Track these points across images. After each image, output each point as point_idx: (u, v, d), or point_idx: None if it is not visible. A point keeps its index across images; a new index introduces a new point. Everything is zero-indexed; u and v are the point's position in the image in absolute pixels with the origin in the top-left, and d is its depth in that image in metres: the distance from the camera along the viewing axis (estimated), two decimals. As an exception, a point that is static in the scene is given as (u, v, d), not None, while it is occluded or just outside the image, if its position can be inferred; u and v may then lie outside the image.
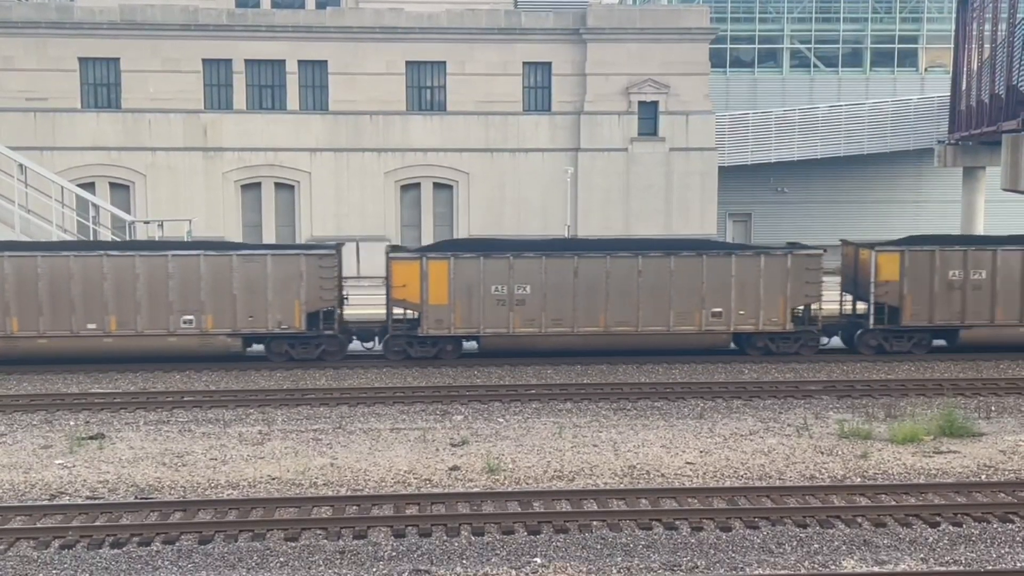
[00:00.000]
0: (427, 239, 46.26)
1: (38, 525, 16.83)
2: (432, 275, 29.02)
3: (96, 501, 18.06)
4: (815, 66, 55.72)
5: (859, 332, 30.67)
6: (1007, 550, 15.95)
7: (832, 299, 31.62)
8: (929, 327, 30.27)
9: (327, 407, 24.93)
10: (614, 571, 15.21)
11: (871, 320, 30.32)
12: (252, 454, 20.95)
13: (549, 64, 47.94)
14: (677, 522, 16.88)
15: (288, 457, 20.71)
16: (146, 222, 41.78)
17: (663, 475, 19.60)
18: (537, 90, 48.30)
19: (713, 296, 29.44)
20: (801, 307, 30.22)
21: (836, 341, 31.73)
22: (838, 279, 32.68)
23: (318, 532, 16.55)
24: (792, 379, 27.90)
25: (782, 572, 15.14)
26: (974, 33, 45.51)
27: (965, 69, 47.02)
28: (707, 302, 29.42)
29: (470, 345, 30.27)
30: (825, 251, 30.91)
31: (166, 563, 15.51)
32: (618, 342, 29.70)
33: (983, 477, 19.51)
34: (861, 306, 31.33)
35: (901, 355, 30.30)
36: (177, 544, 16.14)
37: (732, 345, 30.45)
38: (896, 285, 29.90)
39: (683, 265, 29.45)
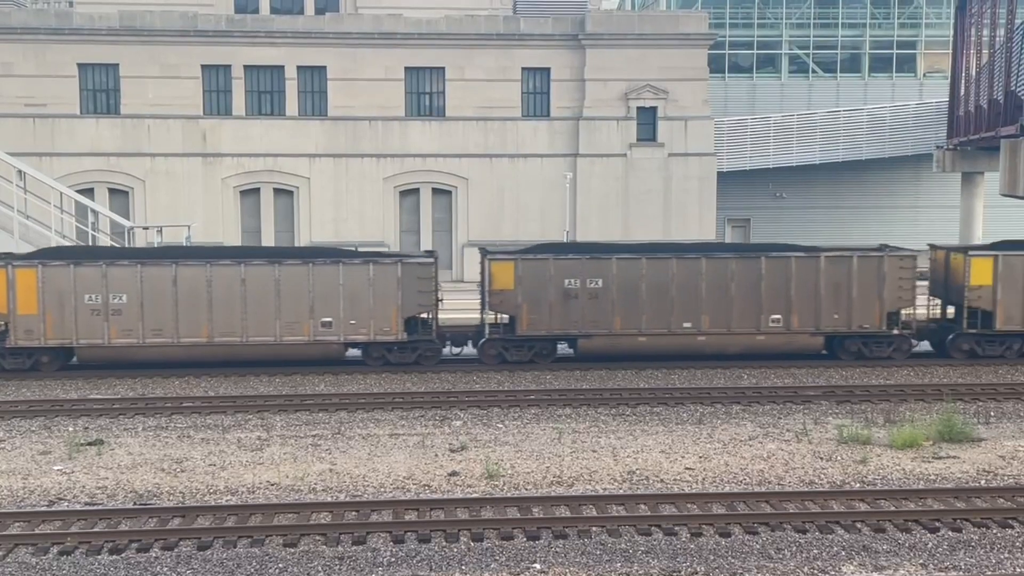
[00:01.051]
0: (426, 244, 46.30)
1: (37, 531, 16.81)
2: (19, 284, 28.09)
3: (95, 507, 18.04)
4: (814, 71, 55.79)
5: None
6: (1006, 555, 15.94)
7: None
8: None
9: (326, 413, 24.91)
10: (613, 577, 15.19)
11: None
12: (251, 460, 20.94)
13: (548, 70, 47.99)
14: (676, 528, 16.86)
15: (287, 463, 20.69)
16: (145, 228, 41.80)
17: (662, 481, 19.58)
18: (536, 96, 48.34)
19: (322, 306, 28.70)
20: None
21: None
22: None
23: (317, 538, 16.53)
24: (791, 384, 27.89)
25: (781, 578, 15.12)
26: (972, 39, 45.58)
27: (963, 74, 47.09)
28: (316, 311, 28.76)
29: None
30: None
31: (165, 569, 15.49)
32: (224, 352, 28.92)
33: (982, 482, 19.49)
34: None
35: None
36: (176, 550, 16.12)
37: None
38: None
39: (290, 274, 28.79)
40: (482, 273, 29.97)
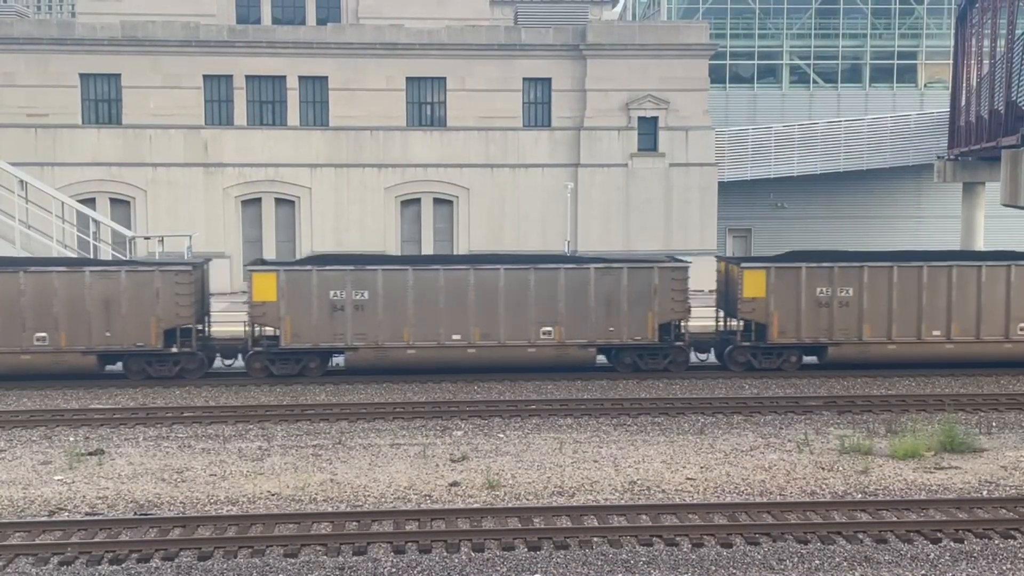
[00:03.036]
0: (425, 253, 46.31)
1: (37, 541, 16.78)
2: None
3: (95, 517, 18.02)
4: (814, 82, 55.85)
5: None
6: (1009, 566, 15.91)
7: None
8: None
9: (327, 423, 24.90)
10: (615, 587, 15.16)
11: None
12: (252, 470, 20.91)
13: (549, 80, 48.06)
14: (678, 538, 16.84)
15: (288, 473, 20.67)
16: (147, 238, 41.84)
17: (664, 491, 19.56)
18: (537, 106, 48.40)
19: None
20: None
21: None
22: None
23: (318, 548, 16.51)
24: (793, 395, 27.87)
25: (783, 588, 15.09)
26: (973, 49, 45.64)
27: (964, 85, 47.15)
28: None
29: None
30: None
31: (165, 579, 15.47)
32: None
33: (984, 493, 19.46)
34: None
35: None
36: (176, 560, 16.10)
37: None
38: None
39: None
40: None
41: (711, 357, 31.50)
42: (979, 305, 29.91)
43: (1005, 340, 29.99)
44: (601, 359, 30.61)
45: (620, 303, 29.59)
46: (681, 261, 30.74)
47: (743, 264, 30.50)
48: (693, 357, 31.07)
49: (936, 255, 31.79)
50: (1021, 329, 29.86)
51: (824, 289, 29.69)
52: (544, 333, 29.53)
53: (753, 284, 29.69)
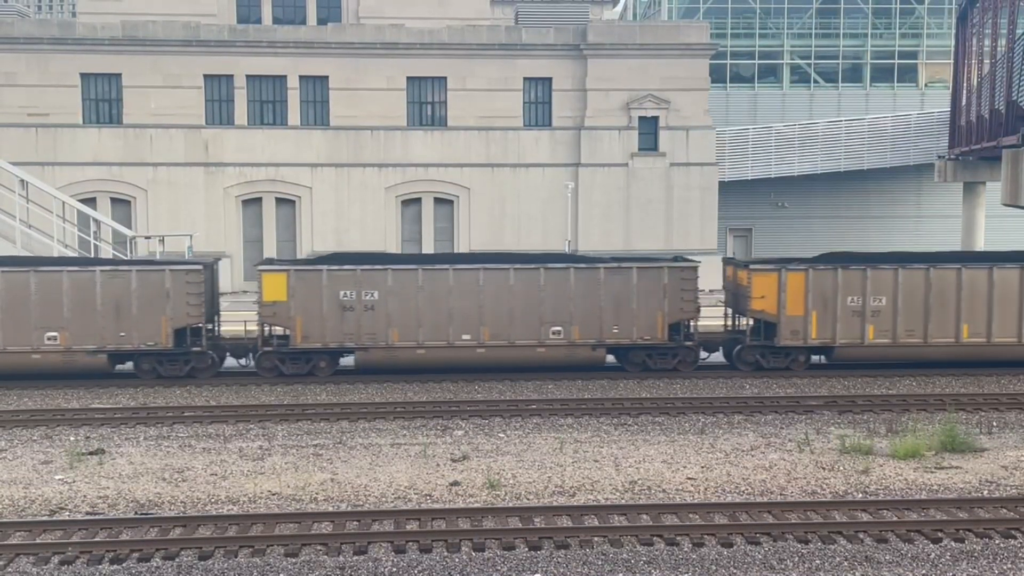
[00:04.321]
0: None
1: (38, 541, 16.78)
2: None
3: (96, 517, 18.02)
4: (815, 81, 55.86)
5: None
6: (1010, 566, 15.91)
7: None
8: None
9: (328, 422, 24.90)
10: (615, 587, 15.16)
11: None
12: (252, 469, 20.92)
13: (550, 80, 48.08)
14: (678, 538, 16.83)
15: (288, 472, 20.68)
16: (147, 237, 41.87)
17: (664, 491, 19.56)
18: (537, 105, 48.42)
19: None
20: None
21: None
22: None
23: (318, 548, 16.51)
24: (793, 394, 27.87)
25: (784, 588, 15.09)
26: (973, 49, 45.64)
27: (965, 84, 47.15)
28: None
29: None
30: None
31: (166, 579, 15.48)
32: None
33: (985, 493, 19.46)
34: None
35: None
36: (177, 560, 16.10)
37: None
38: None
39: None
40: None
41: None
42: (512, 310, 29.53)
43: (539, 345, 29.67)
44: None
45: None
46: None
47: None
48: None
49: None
50: (554, 333, 29.43)
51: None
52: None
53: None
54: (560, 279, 29.56)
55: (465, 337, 29.41)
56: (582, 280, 29.57)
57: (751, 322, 30.58)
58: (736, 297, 31.22)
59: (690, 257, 32.11)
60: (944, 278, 29.85)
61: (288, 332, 29.31)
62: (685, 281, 29.77)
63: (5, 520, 17.79)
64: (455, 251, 47.49)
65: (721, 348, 31.40)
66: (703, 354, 31.23)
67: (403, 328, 29.27)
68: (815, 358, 30.88)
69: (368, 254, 34.75)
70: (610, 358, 30.59)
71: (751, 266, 30.42)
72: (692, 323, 30.32)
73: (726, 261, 33.14)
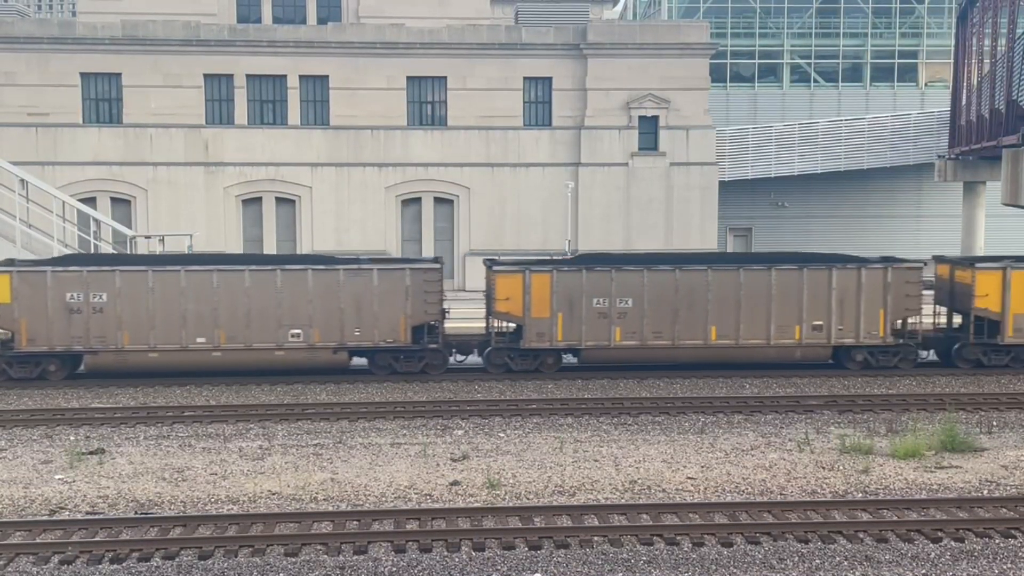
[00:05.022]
0: (428, 254, 46.31)
1: (38, 540, 16.78)
2: None
3: (96, 516, 18.01)
4: (815, 81, 55.87)
5: None
6: (1009, 566, 15.91)
7: None
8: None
9: (327, 422, 24.90)
10: (615, 587, 15.16)
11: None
12: (252, 469, 20.92)
13: (550, 79, 48.08)
14: (678, 537, 16.83)
15: (288, 472, 20.68)
16: (147, 237, 41.86)
17: (664, 490, 19.56)
18: (537, 105, 48.43)
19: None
20: None
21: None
22: None
23: (318, 547, 16.51)
24: (793, 394, 27.87)
25: (784, 588, 15.09)
26: (974, 48, 45.64)
27: (965, 84, 47.15)
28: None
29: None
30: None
31: (166, 579, 15.48)
32: None
33: (985, 492, 19.46)
34: None
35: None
36: (177, 559, 16.10)
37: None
38: None
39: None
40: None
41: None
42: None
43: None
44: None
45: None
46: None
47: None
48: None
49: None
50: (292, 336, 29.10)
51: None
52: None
53: None
54: (298, 281, 29.03)
55: (200, 340, 28.90)
56: (321, 282, 29.05)
57: (497, 323, 30.30)
58: (488, 299, 30.56)
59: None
60: (692, 280, 29.61)
61: (14, 335, 28.81)
62: (428, 283, 29.32)
63: (5, 520, 17.79)
64: (455, 251, 47.55)
65: (476, 350, 30.81)
66: (459, 357, 30.90)
67: (134, 331, 28.68)
68: (570, 359, 30.64)
69: (100, 255, 33.77)
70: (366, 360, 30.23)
71: (496, 267, 29.98)
72: (439, 325, 29.87)
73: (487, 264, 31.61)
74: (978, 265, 30.49)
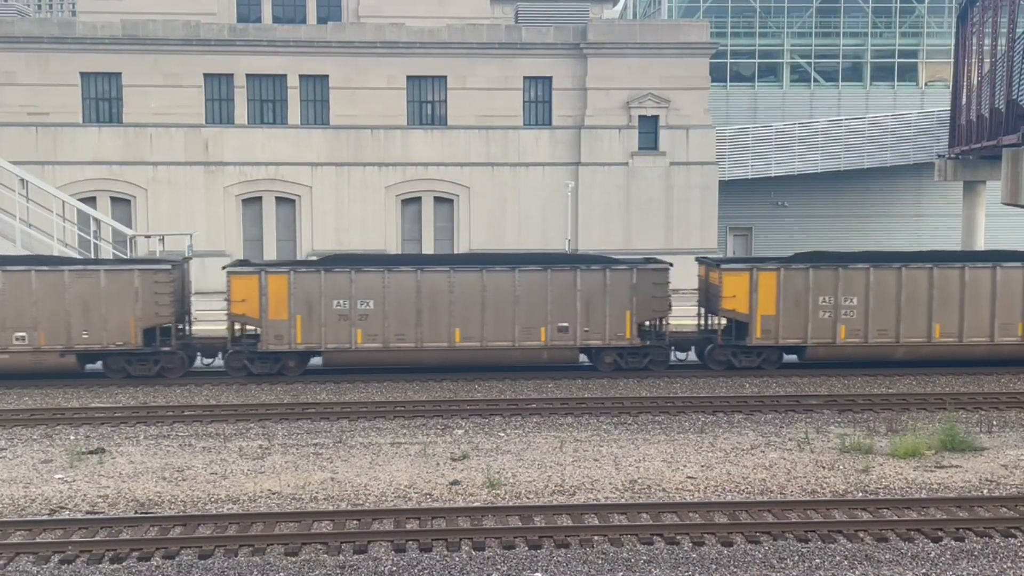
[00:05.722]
0: (429, 252, 46.31)
1: (38, 540, 16.79)
2: None
3: (96, 516, 18.02)
4: (815, 80, 55.85)
5: None
6: (1009, 565, 15.91)
7: None
8: None
9: (328, 421, 24.91)
10: (615, 586, 15.17)
11: None
12: (252, 468, 20.92)
13: (550, 79, 48.07)
14: (679, 537, 16.83)
15: (288, 471, 20.68)
16: (147, 236, 41.85)
17: (664, 490, 19.56)
18: (538, 104, 48.42)
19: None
20: None
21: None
22: None
23: (318, 547, 16.51)
24: (793, 393, 27.87)
25: (784, 587, 15.09)
26: (974, 48, 45.62)
27: (965, 83, 47.13)
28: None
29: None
30: None
31: (166, 578, 15.49)
32: None
33: (985, 492, 19.46)
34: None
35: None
36: (177, 559, 16.11)
37: None
38: None
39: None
40: None
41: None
42: None
43: None
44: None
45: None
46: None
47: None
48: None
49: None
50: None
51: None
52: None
53: None
54: (21, 282, 28.39)
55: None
56: (44, 283, 28.42)
57: (237, 326, 29.96)
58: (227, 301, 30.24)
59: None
60: (435, 281, 29.24)
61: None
62: (159, 284, 28.70)
63: (5, 519, 17.80)
64: (455, 250, 47.51)
65: (220, 353, 30.38)
66: (206, 360, 30.57)
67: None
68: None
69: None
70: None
71: (230, 269, 29.62)
72: (179, 327, 29.59)
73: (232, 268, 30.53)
74: (724, 266, 30.34)
